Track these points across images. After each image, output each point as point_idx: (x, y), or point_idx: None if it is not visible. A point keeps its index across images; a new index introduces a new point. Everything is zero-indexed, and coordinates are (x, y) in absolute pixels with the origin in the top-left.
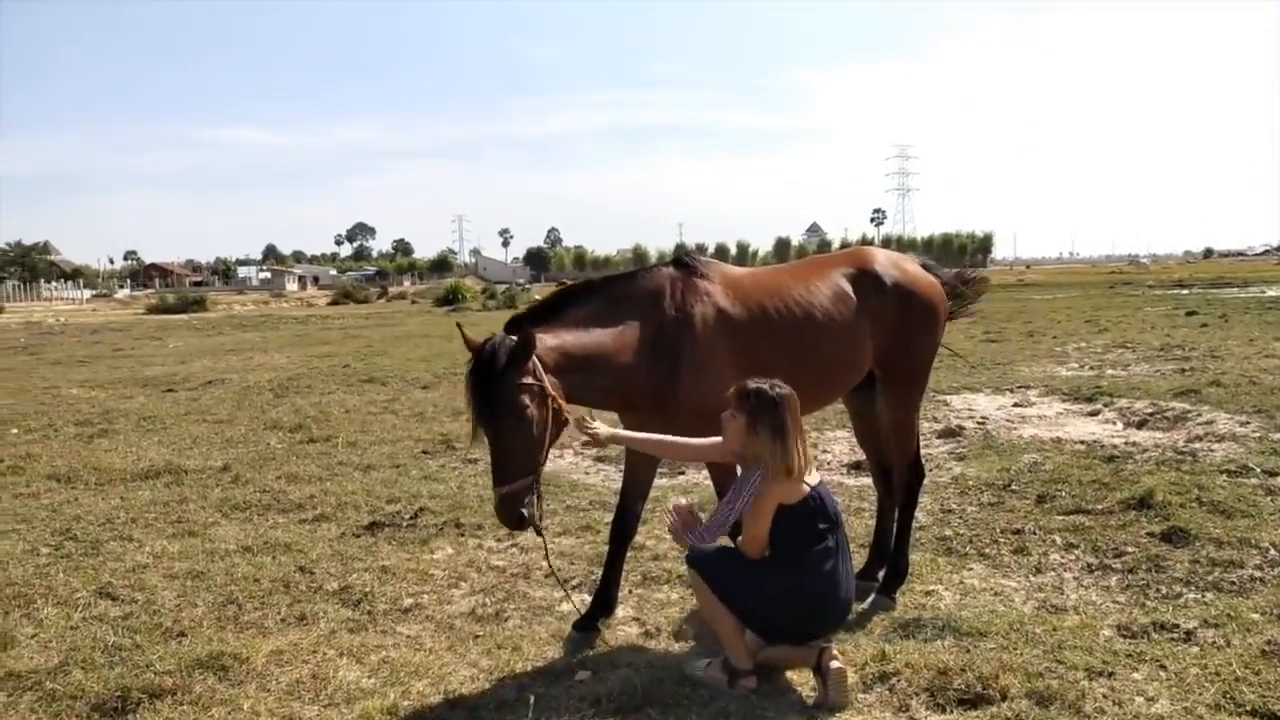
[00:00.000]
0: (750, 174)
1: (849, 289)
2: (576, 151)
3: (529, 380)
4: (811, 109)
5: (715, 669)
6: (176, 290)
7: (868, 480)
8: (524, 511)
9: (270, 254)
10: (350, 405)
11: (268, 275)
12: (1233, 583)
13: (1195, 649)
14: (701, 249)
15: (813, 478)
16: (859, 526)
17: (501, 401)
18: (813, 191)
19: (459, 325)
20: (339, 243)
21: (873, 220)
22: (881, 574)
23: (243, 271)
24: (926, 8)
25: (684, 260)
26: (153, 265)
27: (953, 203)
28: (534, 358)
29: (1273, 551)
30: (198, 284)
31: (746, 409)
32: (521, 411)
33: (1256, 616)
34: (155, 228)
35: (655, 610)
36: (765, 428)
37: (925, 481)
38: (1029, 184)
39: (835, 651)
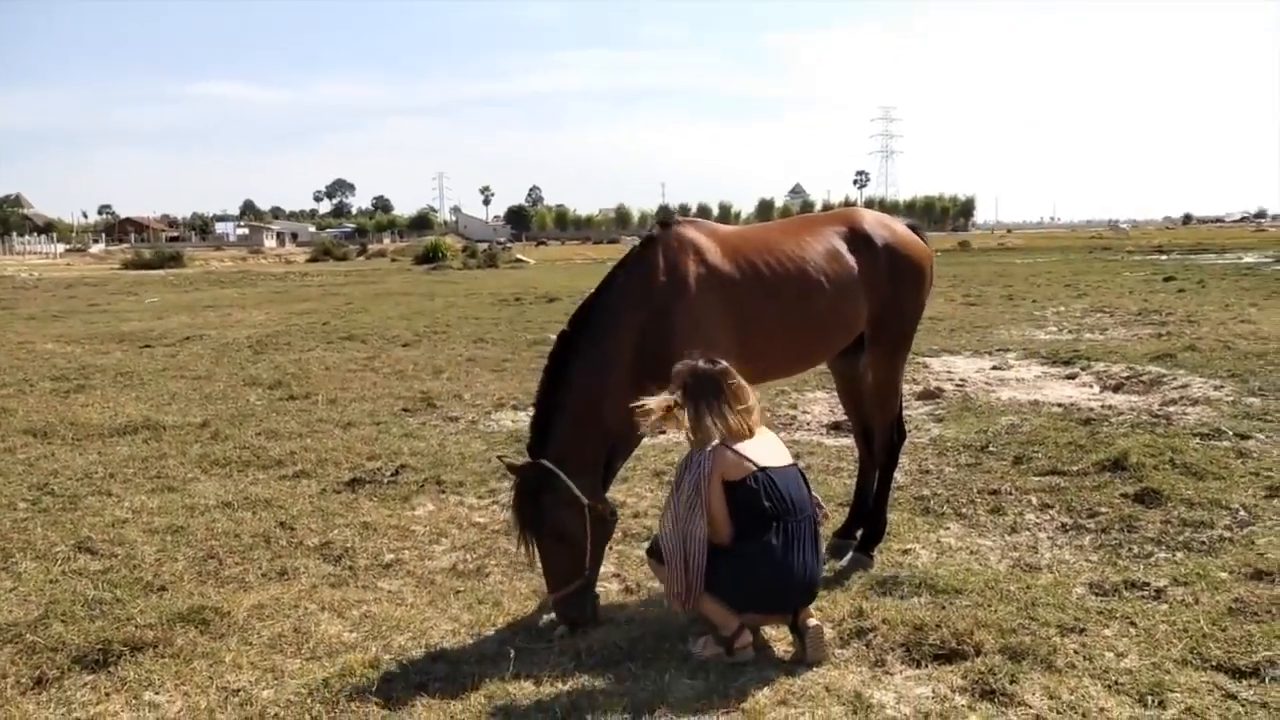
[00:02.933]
0: (734, 136)
1: (842, 247)
2: (560, 111)
3: (561, 500)
4: (797, 72)
5: (711, 646)
6: (152, 245)
7: (847, 440)
8: (579, 613)
9: (248, 210)
10: (330, 362)
11: (245, 231)
12: (1203, 543)
13: (1165, 606)
14: (684, 209)
15: (770, 459)
16: (837, 486)
17: (538, 525)
18: (796, 154)
19: (500, 458)
20: (318, 199)
21: (855, 183)
22: (860, 532)
23: (220, 227)
24: None
25: (668, 221)
26: (128, 220)
27: (936, 166)
28: (558, 476)
29: (1242, 512)
30: (174, 239)
31: (676, 388)
32: (558, 531)
33: (1224, 575)
34: (130, 182)
35: (635, 567)
36: (692, 405)
37: (904, 442)
38: (1012, 148)
39: (812, 609)
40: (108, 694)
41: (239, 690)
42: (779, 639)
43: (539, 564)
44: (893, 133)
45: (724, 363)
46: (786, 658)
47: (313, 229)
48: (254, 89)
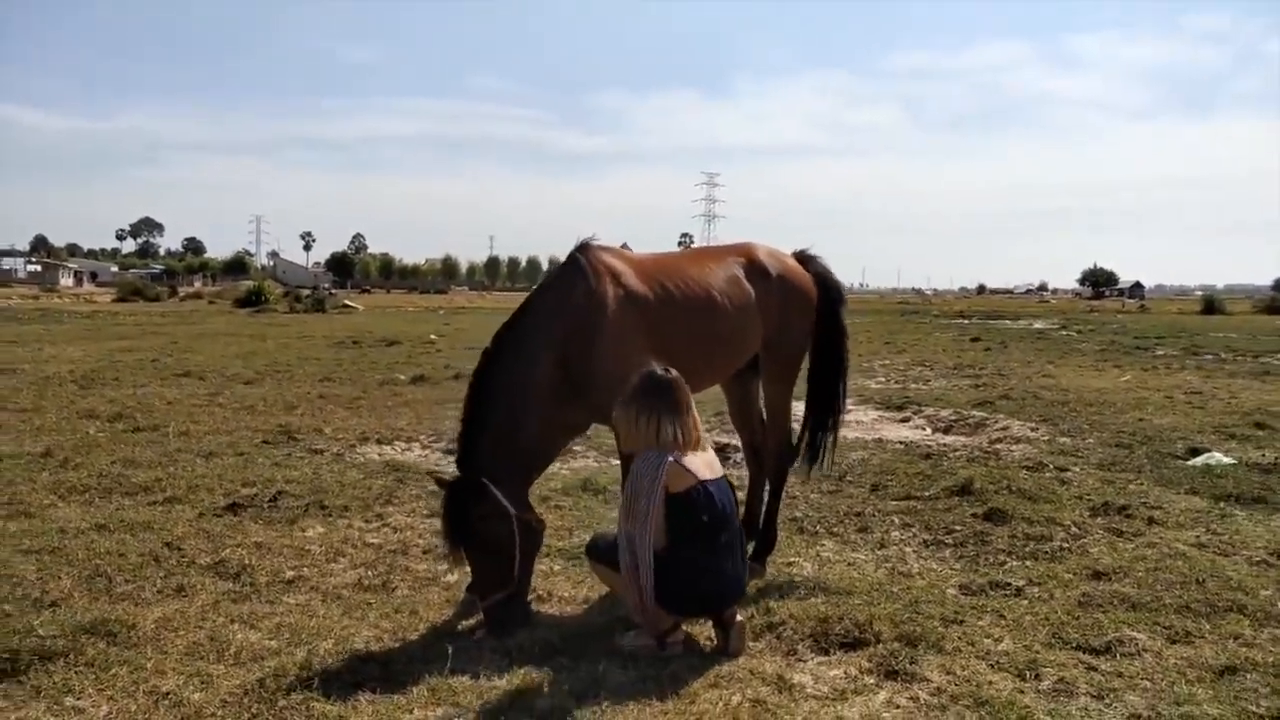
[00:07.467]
0: (560, 191)
1: (741, 274)
2: (386, 157)
3: (489, 511)
4: (626, 132)
5: (644, 637)
6: None
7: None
8: (509, 619)
9: (40, 245)
10: (171, 397)
11: (38, 268)
12: (1046, 552)
13: (1025, 602)
14: (514, 263)
15: (708, 473)
16: None
17: (468, 537)
18: (623, 212)
19: (429, 473)
20: (121, 238)
21: (680, 244)
22: (751, 545)
23: (6, 262)
24: (731, 43)
25: (585, 246)
26: None
27: (756, 231)
28: (487, 488)
29: (1074, 528)
30: None
31: (631, 397)
32: (488, 541)
33: (1070, 576)
34: None
35: (542, 579)
36: (645, 411)
37: (794, 461)
38: (824, 214)
39: (735, 606)
40: (24, 701)
41: (168, 693)
42: (698, 632)
43: (469, 573)
44: (716, 197)
45: (675, 372)
46: (707, 649)
47: (115, 269)
48: (49, 115)
